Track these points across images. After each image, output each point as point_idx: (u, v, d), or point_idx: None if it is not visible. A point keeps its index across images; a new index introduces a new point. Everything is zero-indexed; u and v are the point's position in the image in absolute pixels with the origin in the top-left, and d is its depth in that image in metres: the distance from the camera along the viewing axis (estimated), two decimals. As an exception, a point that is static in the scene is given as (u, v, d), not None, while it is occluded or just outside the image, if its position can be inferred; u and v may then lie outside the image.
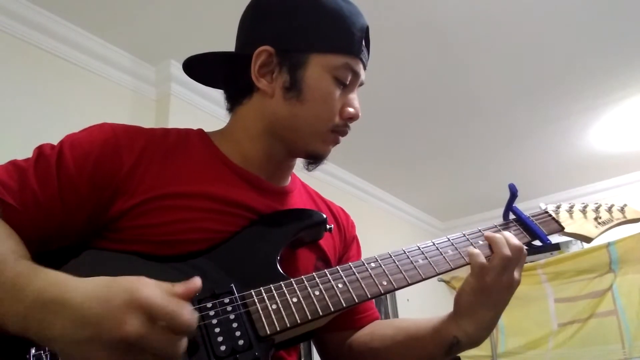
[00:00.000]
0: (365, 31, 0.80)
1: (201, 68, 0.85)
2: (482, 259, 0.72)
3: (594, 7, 2.25)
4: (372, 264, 0.72)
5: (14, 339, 0.56)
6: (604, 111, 3.23)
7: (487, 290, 0.71)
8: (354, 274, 0.70)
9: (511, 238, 0.74)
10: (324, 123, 0.78)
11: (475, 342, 0.74)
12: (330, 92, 0.77)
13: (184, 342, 0.51)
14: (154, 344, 0.48)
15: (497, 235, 0.74)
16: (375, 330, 0.87)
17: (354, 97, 0.81)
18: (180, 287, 0.52)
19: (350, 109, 0.79)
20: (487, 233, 0.77)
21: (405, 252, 0.75)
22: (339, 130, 0.80)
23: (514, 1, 2.18)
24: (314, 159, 0.82)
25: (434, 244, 0.77)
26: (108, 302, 0.49)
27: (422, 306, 4.07)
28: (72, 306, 0.49)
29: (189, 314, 0.50)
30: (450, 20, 2.27)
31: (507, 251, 0.72)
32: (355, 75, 0.79)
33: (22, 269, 0.55)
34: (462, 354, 0.79)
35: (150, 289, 0.50)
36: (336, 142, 0.81)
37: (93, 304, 0.49)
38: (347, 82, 0.78)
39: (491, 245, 0.74)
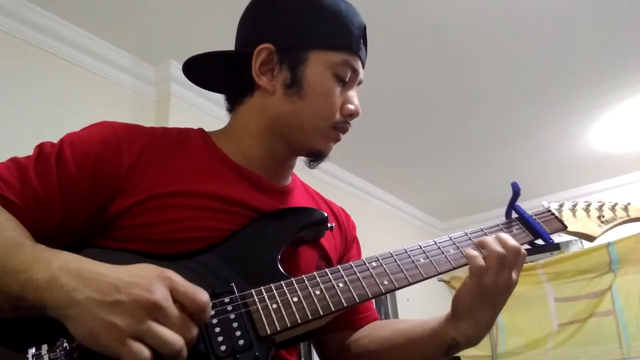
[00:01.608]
0: (363, 30, 0.81)
1: (201, 69, 0.85)
2: (481, 261, 0.72)
3: (594, 7, 2.25)
4: (374, 263, 0.72)
5: (14, 338, 0.55)
6: (604, 111, 3.23)
7: (485, 292, 0.71)
8: (355, 273, 0.70)
9: (508, 239, 0.73)
10: (325, 120, 0.78)
11: (473, 343, 0.74)
12: (331, 88, 0.77)
13: (196, 328, 0.54)
14: (172, 319, 0.52)
15: (488, 237, 0.74)
16: (374, 331, 0.87)
17: (354, 94, 0.81)
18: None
19: (351, 106, 0.79)
20: (477, 239, 0.76)
21: (406, 252, 0.75)
22: (339, 127, 0.80)
23: (515, 1, 2.18)
24: (316, 157, 0.82)
25: (435, 243, 0.77)
26: (137, 274, 0.54)
27: (422, 306, 4.07)
28: (101, 274, 0.54)
29: (206, 297, 0.56)
30: (451, 20, 2.27)
31: (500, 249, 0.71)
32: (355, 72, 0.79)
33: (44, 248, 0.59)
34: (462, 354, 0.79)
35: (174, 273, 0.56)
36: (337, 139, 0.82)
37: (122, 275, 0.54)
38: (347, 79, 0.79)
39: (484, 246, 0.73)
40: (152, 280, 0.53)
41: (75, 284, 0.52)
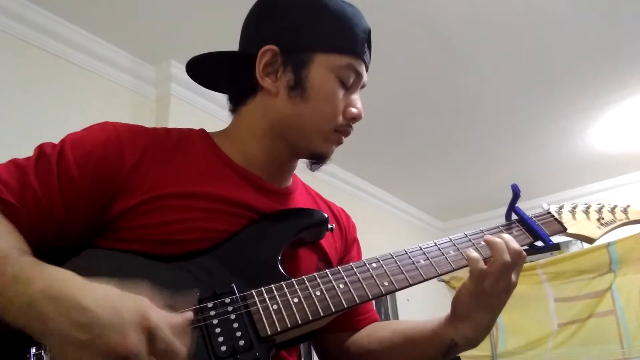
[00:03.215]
0: (368, 33, 0.81)
1: (204, 69, 0.85)
2: (482, 265, 0.72)
3: (594, 7, 2.25)
4: (374, 264, 0.72)
5: (15, 337, 0.56)
6: (604, 111, 3.23)
7: (484, 294, 0.71)
8: (356, 274, 0.70)
9: (511, 242, 0.73)
10: (328, 122, 0.78)
11: (473, 344, 0.74)
12: (334, 91, 0.77)
13: None
14: None
15: (497, 240, 0.73)
16: (373, 332, 0.87)
17: (357, 97, 0.81)
18: (178, 318, 0.55)
19: (353, 109, 0.79)
20: (487, 237, 0.76)
21: (406, 253, 0.75)
22: (342, 130, 0.80)
23: (515, 1, 2.18)
24: (317, 159, 0.82)
25: (435, 245, 0.77)
26: (117, 313, 0.50)
27: (422, 306, 4.07)
28: (80, 307, 0.51)
29: (184, 355, 0.52)
30: (451, 20, 2.27)
31: (507, 257, 0.71)
32: (358, 76, 0.79)
33: (26, 264, 0.56)
34: (461, 354, 0.79)
35: (158, 315, 0.52)
36: (339, 142, 0.82)
37: (101, 312, 0.50)
38: (350, 83, 0.79)
39: (491, 249, 0.73)
40: (129, 325, 0.50)
41: (53, 314, 0.50)
